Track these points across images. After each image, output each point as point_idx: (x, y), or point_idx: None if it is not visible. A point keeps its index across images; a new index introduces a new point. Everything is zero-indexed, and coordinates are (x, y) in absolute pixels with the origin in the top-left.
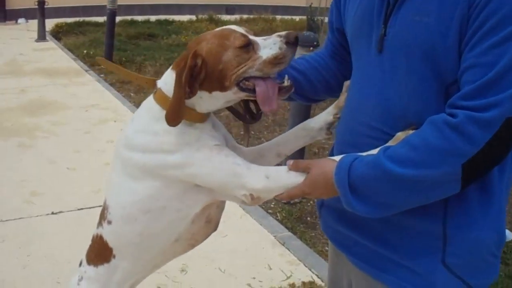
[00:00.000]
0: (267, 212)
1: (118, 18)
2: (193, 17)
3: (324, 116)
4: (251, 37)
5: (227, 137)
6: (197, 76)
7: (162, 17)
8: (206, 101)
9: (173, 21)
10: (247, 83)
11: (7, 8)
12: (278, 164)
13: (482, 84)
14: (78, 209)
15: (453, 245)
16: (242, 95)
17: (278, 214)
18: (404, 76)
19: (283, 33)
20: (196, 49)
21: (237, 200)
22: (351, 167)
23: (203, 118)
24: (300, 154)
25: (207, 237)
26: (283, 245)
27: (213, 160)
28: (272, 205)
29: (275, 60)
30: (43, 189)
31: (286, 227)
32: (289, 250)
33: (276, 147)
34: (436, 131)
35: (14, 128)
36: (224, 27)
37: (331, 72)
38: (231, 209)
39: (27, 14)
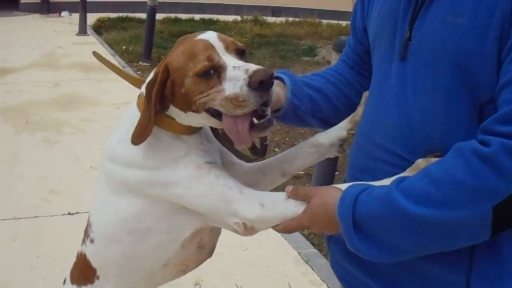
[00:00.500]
0: None
1: (161, 16)
2: (238, 18)
3: (337, 131)
4: (223, 60)
5: (223, 151)
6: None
7: (207, 16)
8: (184, 118)
9: (217, 21)
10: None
11: (51, 0)
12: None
13: None
14: None
15: None
16: (216, 121)
17: None
18: (429, 89)
19: (253, 68)
20: (167, 62)
21: (229, 228)
22: (357, 201)
23: (189, 129)
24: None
25: (200, 264)
26: (306, 263)
27: (200, 181)
28: None
29: (236, 102)
30: (62, 187)
31: (312, 243)
32: (312, 269)
33: (280, 165)
34: (463, 163)
35: (42, 123)
36: (202, 36)
37: (352, 88)
38: None
39: (71, 7)
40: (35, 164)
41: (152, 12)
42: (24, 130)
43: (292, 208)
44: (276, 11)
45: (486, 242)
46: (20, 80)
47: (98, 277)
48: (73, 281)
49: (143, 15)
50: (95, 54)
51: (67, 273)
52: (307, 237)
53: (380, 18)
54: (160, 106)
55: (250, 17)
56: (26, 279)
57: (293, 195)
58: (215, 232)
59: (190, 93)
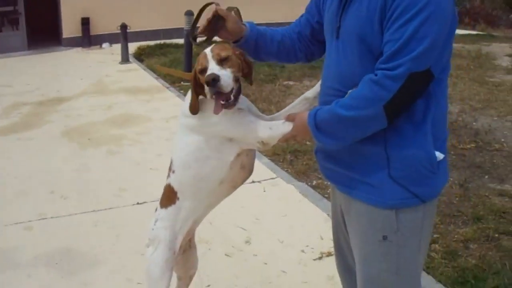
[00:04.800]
0: (323, 196)
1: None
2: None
3: (316, 88)
4: (208, 66)
5: (250, 107)
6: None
7: None
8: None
9: None
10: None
11: (91, 34)
12: None
13: (392, 52)
14: None
15: (394, 162)
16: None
17: None
18: (350, 53)
19: (207, 74)
20: (195, 68)
21: (254, 147)
22: (316, 114)
23: None
24: None
25: (244, 181)
26: None
27: (233, 119)
28: (328, 191)
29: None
30: (129, 185)
31: None
32: None
33: (287, 113)
34: (365, 85)
35: (103, 138)
36: (205, 50)
37: (294, 48)
38: (291, 195)
39: (110, 39)
40: (103, 170)
41: (189, 36)
42: (88, 146)
43: (287, 126)
44: None
45: (393, 125)
46: (76, 106)
47: (178, 198)
48: (162, 206)
49: (179, 41)
50: (159, 67)
51: (142, 244)
52: None
53: (328, 15)
54: (201, 90)
55: None
56: (110, 251)
57: (287, 119)
58: (250, 156)
59: (201, 81)
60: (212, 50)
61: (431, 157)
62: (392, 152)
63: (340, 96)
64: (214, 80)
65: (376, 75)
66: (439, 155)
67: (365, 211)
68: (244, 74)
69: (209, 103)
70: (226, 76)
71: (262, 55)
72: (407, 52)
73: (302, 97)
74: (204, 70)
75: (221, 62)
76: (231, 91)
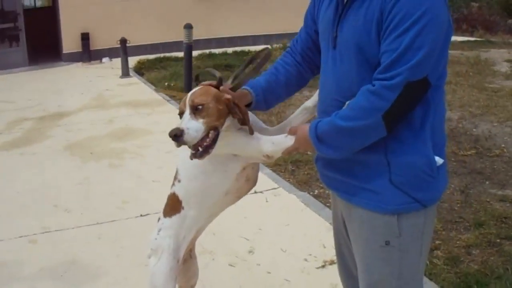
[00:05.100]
0: (325, 205)
1: (196, 52)
2: (268, 47)
3: (314, 98)
4: (184, 110)
5: (253, 124)
6: None
7: (238, 48)
8: None
9: (249, 52)
10: None
11: (91, 48)
12: None
13: (389, 62)
14: None
15: (395, 168)
16: None
17: None
18: (347, 63)
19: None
20: None
21: (259, 161)
22: (317, 126)
23: None
24: None
25: (248, 192)
26: None
27: (237, 139)
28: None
29: None
30: (131, 197)
31: None
32: None
33: (288, 125)
34: (363, 96)
35: (104, 152)
36: (189, 93)
37: (294, 74)
38: (293, 205)
39: (110, 53)
40: (105, 183)
41: (189, 49)
42: (90, 159)
43: (289, 140)
44: None
45: (392, 133)
46: (77, 120)
47: (183, 207)
48: (165, 215)
49: (179, 54)
50: (162, 90)
51: (147, 253)
52: None
53: (323, 24)
54: None
55: (279, 45)
56: (115, 263)
57: (289, 133)
58: (256, 169)
59: None
60: (191, 94)
61: (431, 163)
62: (393, 158)
63: (337, 105)
64: (176, 136)
65: (373, 85)
66: (439, 160)
67: (367, 217)
68: (240, 122)
69: None
70: (193, 129)
71: (275, 103)
72: (404, 62)
73: (302, 107)
74: (182, 113)
75: (195, 110)
76: (203, 140)
